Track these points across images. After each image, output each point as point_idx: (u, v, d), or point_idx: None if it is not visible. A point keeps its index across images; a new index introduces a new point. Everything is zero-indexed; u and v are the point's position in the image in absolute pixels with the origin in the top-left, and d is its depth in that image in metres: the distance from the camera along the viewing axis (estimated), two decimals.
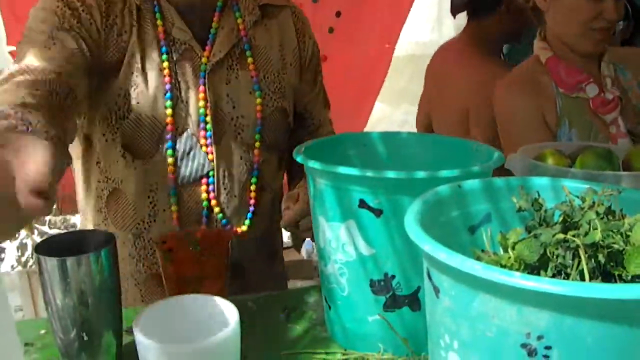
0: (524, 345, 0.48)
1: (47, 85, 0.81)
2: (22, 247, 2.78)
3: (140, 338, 0.57)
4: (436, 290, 0.56)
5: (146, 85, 1.00)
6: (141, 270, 1.09)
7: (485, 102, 1.86)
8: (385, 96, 2.95)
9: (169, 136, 1.01)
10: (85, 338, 0.76)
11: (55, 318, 0.76)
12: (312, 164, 0.79)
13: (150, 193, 1.05)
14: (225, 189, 1.07)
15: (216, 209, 1.06)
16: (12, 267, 2.76)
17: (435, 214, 0.65)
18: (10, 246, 2.77)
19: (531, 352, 0.48)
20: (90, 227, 1.12)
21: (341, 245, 0.81)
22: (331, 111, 1.28)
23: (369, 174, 0.74)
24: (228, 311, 0.62)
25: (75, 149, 1.08)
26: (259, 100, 1.07)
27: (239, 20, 1.07)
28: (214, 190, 1.06)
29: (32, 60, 0.86)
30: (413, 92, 2.18)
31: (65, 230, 0.83)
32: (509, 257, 0.60)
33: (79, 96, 0.89)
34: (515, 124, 1.47)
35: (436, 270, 0.55)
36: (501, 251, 0.63)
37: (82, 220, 1.16)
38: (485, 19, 2.00)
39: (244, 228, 1.10)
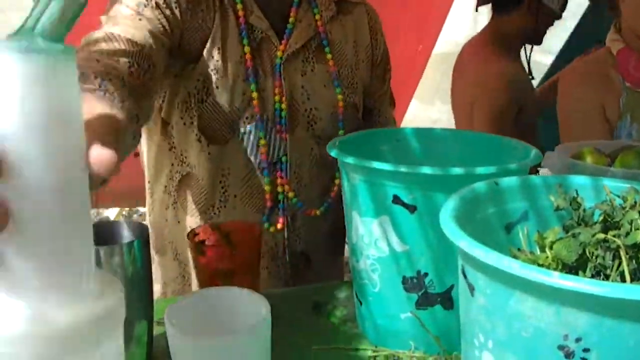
0: (561, 347, 0.47)
1: (129, 56, 0.83)
2: None
3: (170, 330, 0.58)
4: (471, 288, 0.55)
5: (226, 71, 1.01)
6: None
7: (488, 98, 1.85)
8: (419, 94, 2.94)
9: (247, 122, 1.02)
10: None
11: None
12: (346, 159, 0.79)
13: (222, 178, 1.06)
14: (295, 177, 1.09)
15: (290, 194, 1.08)
16: None
17: (471, 211, 0.64)
18: None
19: (569, 355, 0.47)
20: (157, 210, 1.15)
21: (374, 241, 0.80)
22: None
23: (403, 169, 0.73)
24: (259, 304, 0.62)
25: (151, 131, 1.11)
26: (340, 97, 1.09)
27: (317, 16, 1.09)
28: (287, 176, 1.07)
29: (117, 30, 0.86)
30: (446, 90, 2.17)
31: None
32: (547, 257, 0.59)
33: (158, 73, 0.90)
34: (575, 116, 1.45)
35: (471, 268, 0.54)
36: (538, 250, 0.62)
37: (149, 202, 1.18)
38: (507, 15, 1.96)
39: (317, 213, 1.11)
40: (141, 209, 3.50)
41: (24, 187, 0.36)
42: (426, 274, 0.78)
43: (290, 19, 1.06)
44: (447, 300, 0.79)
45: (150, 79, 0.86)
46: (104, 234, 0.80)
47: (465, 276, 0.56)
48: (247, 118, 1.03)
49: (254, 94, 1.01)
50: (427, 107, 3.26)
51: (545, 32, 2.00)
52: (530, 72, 2.04)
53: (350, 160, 0.78)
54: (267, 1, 1.05)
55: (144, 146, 1.14)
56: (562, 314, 0.47)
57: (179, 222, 1.12)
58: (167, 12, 0.95)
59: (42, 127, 0.35)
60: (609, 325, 0.45)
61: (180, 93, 1.03)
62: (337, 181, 1.11)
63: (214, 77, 1.01)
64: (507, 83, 1.87)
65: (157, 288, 1.16)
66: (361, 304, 0.87)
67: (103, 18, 0.91)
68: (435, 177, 0.72)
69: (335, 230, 1.21)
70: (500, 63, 1.90)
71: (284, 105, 1.04)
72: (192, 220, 1.10)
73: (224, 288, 0.66)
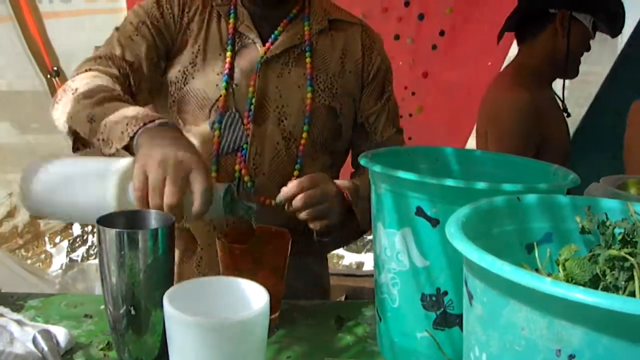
0: None
1: (121, 70, 1.09)
2: None
3: (168, 309, 0.58)
4: (470, 297, 0.52)
5: (205, 65, 1.15)
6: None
7: (498, 131, 1.73)
8: None
9: (217, 111, 1.13)
10: (133, 313, 0.77)
11: (108, 291, 0.78)
12: (374, 168, 0.78)
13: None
14: (254, 164, 1.15)
15: (246, 178, 1.15)
16: None
17: (485, 224, 0.61)
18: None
19: None
20: None
21: (396, 253, 0.78)
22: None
23: (427, 180, 0.71)
24: (259, 294, 0.62)
25: None
26: (309, 95, 1.15)
27: (306, 28, 1.17)
28: (245, 161, 1.14)
29: (115, 48, 1.12)
30: None
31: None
32: (559, 276, 0.55)
33: (144, 87, 1.13)
34: None
35: (471, 275, 0.52)
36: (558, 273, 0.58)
37: None
38: (531, 40, 1.80)
39: (272, 203, 1.12)
40: None
41: None
42: (445, 293, 0.75)
43: (279, 28, 1.16)
44: None
45: (137, 90, 1.13)
46: (132, 220, 0.82)
47: (466, 284, 0.54)
48: (219, 108, 1.13)
49: (224, 88, 1.13)
50: None
51: (579, 61, 1.79)
52: (565, 108, 1.84)
53: (377, 168, 0.77)
54: (263, 17, 1.17)
55: None
56: (555, 327, 0.44)
57: None
58: (162, 23, 1.15)
59: None
60: (606, 343, 0.42)
61: (165, 83, 1.18)
62: (295, 175, 1.15)
63: (193, 70, 1.15)
64: (519, 116, 1.70)
65: None
66: (380, 320, 0.85)
67: (114, 30, 1.16)
68: (458, 190, 0.70)
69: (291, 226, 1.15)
70: (519, 94, 1.72)
71: (254, 100, 1.13)
72: None
73: (226, 277, 0.66)
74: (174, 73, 1.16)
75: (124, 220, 0.81)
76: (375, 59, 1.22)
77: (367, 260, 3.64)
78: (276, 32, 1.16)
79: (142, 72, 1.13)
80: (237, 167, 1.14)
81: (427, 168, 0.94)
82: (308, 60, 1.16)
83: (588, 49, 1.78)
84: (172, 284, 0.81)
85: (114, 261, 0.76)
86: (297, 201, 0.99)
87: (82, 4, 3.16)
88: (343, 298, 2.46)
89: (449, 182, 0.70)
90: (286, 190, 1.00)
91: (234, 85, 1.14)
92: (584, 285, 0.54)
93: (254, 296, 0.63)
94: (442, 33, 2.51)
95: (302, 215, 1.00)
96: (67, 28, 2.92)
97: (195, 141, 1.12)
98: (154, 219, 0.83)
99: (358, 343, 0.90)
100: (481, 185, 0.69)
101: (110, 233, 0.75)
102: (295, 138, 1.16)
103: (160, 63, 1.16)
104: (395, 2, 2.49)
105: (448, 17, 2.49)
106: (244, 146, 1.14)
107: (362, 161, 0.81)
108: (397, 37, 2.54)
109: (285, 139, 1.15)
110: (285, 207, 1.01)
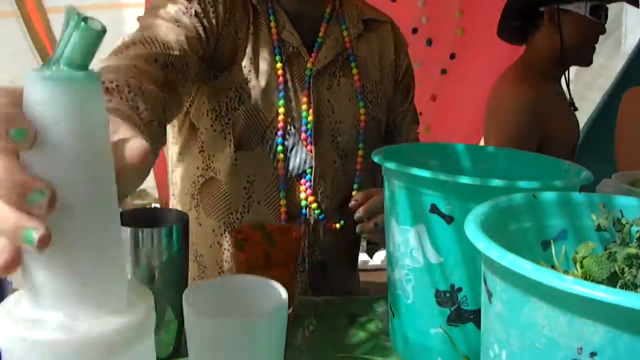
0: None
1: (164, 57, 0.88)
2: None
3: (187, 309, 0.58)
4: (489, 295, 0.53)
5: (258, 82, 1.05)
6: (228, 259, 1.13)
7: (498, 126, 1.73)
8: None
9: (278, 132, 1.05)
10: None
11: None
12: (388, 164, 0.78)
13: (247, 184, 1.08)
14: (319, 188, 1.10)
15: (313, 205, 1.09)
16: None
17: (504, 221, 0.61)
18: None
19: None
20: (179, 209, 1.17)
21: (409, 250, 0.79)
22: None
23: (442, 177, 0.71)
24: (278, 292, 0.62)
25: (178, 134, 1.14)
26: (362, 110, 1.11)
27: (345, 32, 1.12)
28: (311, 187, 1.09)
29: (155, 33, 0.91)
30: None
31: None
32: (576, 273, 0.56)
33: (191, 76, 0.95)
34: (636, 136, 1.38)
35: (490, 272, 0.52)
36: (575, 271, 0.59)
37: (173, 203, 1.22)
38: (533, 38, 1.80)
39: (337, 227, 1.13)
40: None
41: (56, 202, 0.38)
42: (460, 289, 0.76)
43: (320, 34, 1.10)
44: (481, 319, 0.76)
45: (184, 80, 0.92)
46: (147, 219, 0.82)
47: (485, 282, 0.54)
48: (274, 128, 1.05)
49: (283, 106, 1.05)
50: None
51: (592, 48, 1.77)
52: (572, 103, 1.84)
53: (391, 165, 0.77)
54: (299, 17, 1.09)
55: (170, 149, 1.19)
56: (576, 325, 0.44)
57: (200, 224, 1.14)
58: (205, 21, 0.99)
59: (71, 148, 0.38)
60: (627, 341, 0.42)
61: (210, 101, 1.06)
62: (354, 194, 1.12)
63: (245, 87, 1.04)
64: (518, 111, 1.70)
65: None
66: (394, 316, 0.85)
67: (142, 18, 0.96)
68: (473, 187, 0.70)
69: (353, 243, 1.22)
70: (520, 90, 1.73)
71: (310, 118, 1.06)
72: (214, 223, 1.12)
73: (245, 275, 0.66)
74: (223, 92, 1.04)
75: (139, 218, 0.82)
76: (403, 59, 1.20)
77: (372, 261, 3.63)
78: (319, 39, 1.10)
79: (188, 64, 0.94)
80: (302, 194, 1.09)
81: (439, 164, 0.94)
82: (354, 71, 1.11)
83: (601, 32, 1.76)
84: (187, 282, 0.82)
85: (130, 259, 0.76)
86: (363, 212, 1.00)
87: None
88: None
89: (464, 180, 0.70)
90: (358, 202, 1.01)
91: (289, 102, 1.06)
92: (601, 282, 0.54)
93: (272, 294, 0.64)
94: (452, 56, 2.47)
95: (367, 227, 1.00)
96: None
97: (250, 168, 1.07)
98: (168, 217, 0.83)
99: (371, 339, 0.90)
100: (496, 182, 0.69)
101: (126, 231, 0.76)
102: (348, 155, 1.10)
103: (204, 68, 1.03)
104: (401, 28, 2.46)
105: (459, 40, 2.45)
106: (308, 170, 1.09)
107: (376, 158, 0.81)
108: None
109: (340, 157, 1.11)
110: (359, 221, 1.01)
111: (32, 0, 2.58)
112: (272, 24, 1.06)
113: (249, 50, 1.05)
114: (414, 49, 2.45)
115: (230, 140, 1.06)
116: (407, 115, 1.23)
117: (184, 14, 0.97)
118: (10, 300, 0.41)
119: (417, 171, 0.73)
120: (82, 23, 0.41)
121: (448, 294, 0.77)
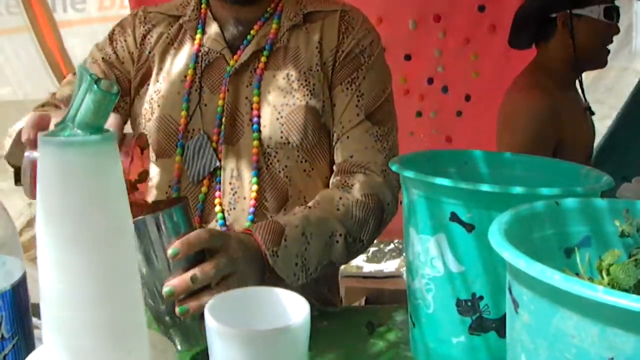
0: None
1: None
2: None
3: (208, 320, 0.58)
4: (515, 305, 0.52)
5: (169, 91, 1.10)
6: None
7: (511, 132, 1.71)
8: None
9: (180, 136, 1.08)
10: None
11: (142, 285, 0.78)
12: (406, 173, 0.78)
13: (169, 189, 1.10)
14: (232, 189, 1.08)
15: (216, 208, 1.08)
16: None
17: (527, 229, 0.61)
18: None
19: None
20: None
21: (430, 259, 0.78)
22: None
23: (462, 185, 0.71)
24: (301, 305, 0.62)
25: None
26: (289, 100, 1.07)
27: (274, 26, 1.11)
28: (219, 189, 1.08)
29: (64, 89, 1.13)
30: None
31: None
32: (603, 281, 0.55)
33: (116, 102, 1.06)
34: None
35: (516, 282, 0.52)
36: (599, 278, 0.58)
37: None
38: (547, 43, 1.79)
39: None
40: None
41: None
42: (481, 298, 0.75)
43: (252, 32, 1.10)
44: (503, 327, 0.75)
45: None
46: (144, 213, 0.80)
47: (510, 292, 0.54)
48: (187, 132, 1.08)
49: (185, 109, 1.08)
50: None
51: (606, 50, 1.75)
52: (588, 107, 1.80)
53: (409, 174, 0.77)
54: (239, 21, 1.11)
55: None
56: (607, 335, 0.44)
57: None
58: (115, 62, 1.14)
59: (81, 212, 0.39)
60: None
61: (137, 117, 1.15)
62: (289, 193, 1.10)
63: (156, 98, 1.11)
64: (532, 117, 1.68)
65: None
66: (414, 325, 0.85)
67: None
68: (494, 195, 0.69)
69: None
70: (533, 95, 1.70)
71: (224, 119, 1.07)
72: None
73: (265, 287, 0.66)
74: (140, 106, 1.13)
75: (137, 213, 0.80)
76: (348, 41, 1.11)
77: (386, 269, 3.63)
78: (248, 36, 1.10)
79: None
80: (202, 196, 1.08)
81: (456, 172, 0.93)
82: (263, 59, 1.08)
83: (616, 32, 1.75)
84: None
85: (140, 252, 0.74)
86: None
87: (95, 12, 3.19)
88: (363, 301, 2.45)
89: (485, 187, 0.69)
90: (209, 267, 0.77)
91: (202, 106, 1.08)
92: (627, 290, 0.53)
93: (293, 305, 0.63)
94: (467, 98, 2.45)
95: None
96: (81, 37, 2.94)
97: (170, 174, 1.09)
98: (163, 206, 0.81)
99: (391, 349, 0.90)
100: (517, 189, 0.68)
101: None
102: (273, 149, 1.07)
103: (123, 100, 1.15)
104: (416, 82, 2.42)
105: (474, 81, 2.43)
106: (217, 172, 1.08)
107: (394, 167, 0.81)
108: (419, 114, 2.48)
109: (264, 153, 1.07)
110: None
111: (44, 15, 2.60)
112: (198, 36, 1.11)
113: (166, 62, 1.12)
114: (430, 99, 2.46)
115: (151, 151, 1.10)
116: (352, 103, 1.10)
117: (94, 63, 1.14)
118: None
119: (437, 180, 0.73)
120: (95, 87, 0.41)
121: (469, 303, 0.76)
